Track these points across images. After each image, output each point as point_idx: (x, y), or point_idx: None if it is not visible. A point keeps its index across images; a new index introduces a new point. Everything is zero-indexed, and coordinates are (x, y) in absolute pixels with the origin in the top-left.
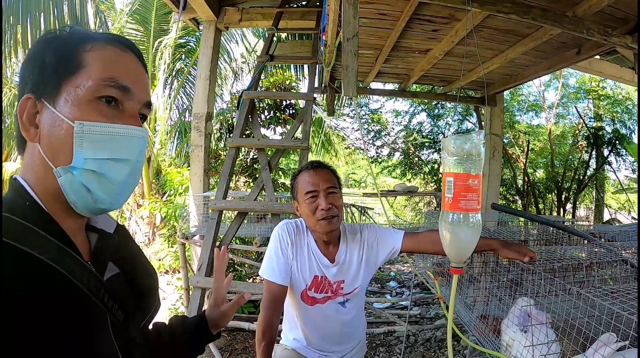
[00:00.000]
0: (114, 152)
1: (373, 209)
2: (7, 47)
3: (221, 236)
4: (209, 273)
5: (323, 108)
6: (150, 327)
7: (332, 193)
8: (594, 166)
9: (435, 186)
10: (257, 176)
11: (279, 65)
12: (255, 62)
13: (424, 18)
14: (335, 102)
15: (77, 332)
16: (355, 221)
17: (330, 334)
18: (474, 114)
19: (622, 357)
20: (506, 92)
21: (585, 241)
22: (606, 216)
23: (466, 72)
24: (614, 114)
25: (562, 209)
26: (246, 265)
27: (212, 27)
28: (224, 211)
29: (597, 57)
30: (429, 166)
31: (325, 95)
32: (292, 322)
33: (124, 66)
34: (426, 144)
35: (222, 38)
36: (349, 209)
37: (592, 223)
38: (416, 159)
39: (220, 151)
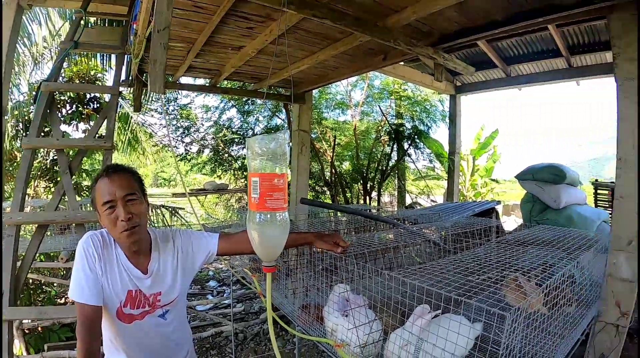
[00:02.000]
0: None
1: (184, 209)
2: None
3: (22, 255)
4: (14, 302)
5: (130, 103)
6: None
7: (132, 200)
8: (396, 158)
9: (245, 182)
10: (58, 179)
11: (84, 53)
12: (59, 48)
13: (240, 15)
14: (143, 96)
15: None
16: (166, 223)
17: (155, 351)
18: (284, 110)
19: (437, 324)
20: (315, 91)
21: (391, 226)
22: (408, 201)
23: (277, 70)
24: (414, 113)
25: (368, 198)
26: (55, 285)
27: (14, 4)
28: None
29: (402, 63)
30: (239, 162)
31: (132, 89)
32: (112, 345)
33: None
34: (236, 140)
35: (23, 17)
36: (158, 211)
37: (395, 208)
38: (226, 155)
39: (16, 152)
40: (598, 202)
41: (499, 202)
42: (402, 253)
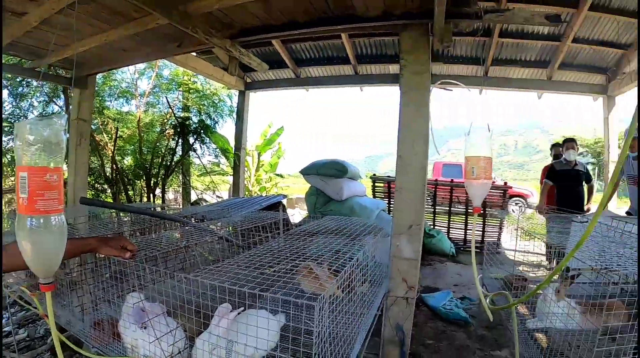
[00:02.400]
0: None
1: None
2: None
3: None
4: None
5: None
6: None
7: None
8: (181, 153)
9: (14, 181)
10: None
11: None
12: None
13: None
14: None
15: None
16: None
17: None
18: (62, 96)
19: (242, 322)
20: (99, 76)
21: (180, 225)
22: (193, 197)
23: (60, 47)
24: (201, 106)
25: (152, 195)
26: None
27: None
28: None
29: (194, 54)
30: (9, 157)
31: None
32: None
33: None
34: (5, 128)
35: None
36: None
37: (181, 205)
38: None
39: None
40: (376, 194)
41: (285, 196)
42: (194, 253)
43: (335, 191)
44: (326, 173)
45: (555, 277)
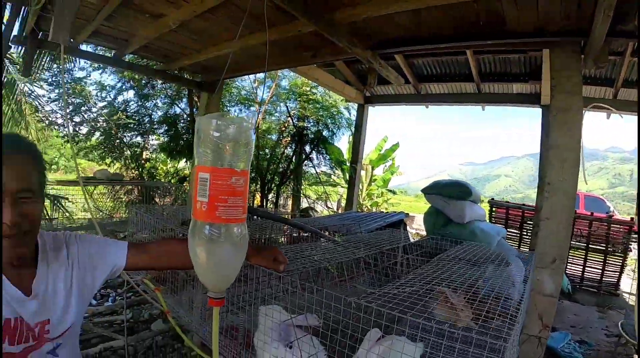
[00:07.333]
0: None
1: (67, 199)
2: None
3: None
4: None
5: (18, 68)
6: None
7: (26, 198)
8: (295, 161)
9: (137, 173)
10: None
11: None
12: None
13: None
14: (35, 60)
15: None
16: (45, 214)
17: None
18: (185, 99)
19: (388, 347)
20: None
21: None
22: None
23: (193, 51)
24: (319, 117)
25: (264, 200)
26: None
27: None
28: None
29: (315, 65)
30: (132, 150)
31: (23, 48)
32: None
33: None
34: (130, 125)
35: None
36: None
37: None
38: (118, 141)
39: None
40: (492, 219)
41: (406, 214)
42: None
43: (457, 214)
44: (449, 194)
45: None
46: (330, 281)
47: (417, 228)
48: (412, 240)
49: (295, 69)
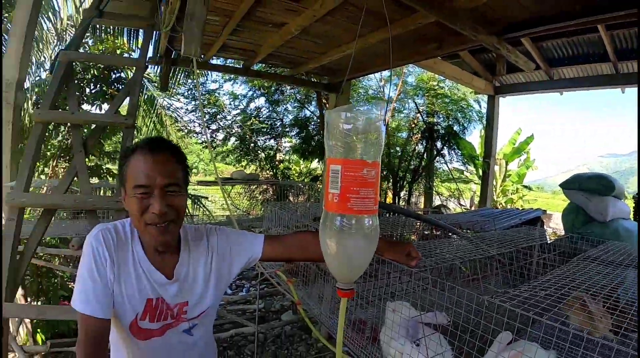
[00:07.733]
0: None
1: (207, 198)
2: None
3: (25, 240)
4: (11, 298)
5: (156, 85)
6: None
7: (173, 192)
8: (426, 157)
9: (271, 174)
10: None
11: (111, 29)
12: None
13: None
14: (170, 77)
15: None
16: (187, 212)
17: None
18: (313, 102)
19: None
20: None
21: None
22: (436, 203)
23: (317, 54)
24: (449, 112)
25: (397, 197)
26: (65, 275)
27: None
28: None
29: (439, 58)
30: (266, 153)
31: (159, 67)
32: None
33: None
34: (263, 129)
35: None
36: None
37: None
38: (252, 145)
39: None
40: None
41: (544, 211)
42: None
43: (599, 211)
44: (590, 188)
45: None
46: (462, 280)
47: (554, 226)
48: (548, 240)
49: (420, 64)
